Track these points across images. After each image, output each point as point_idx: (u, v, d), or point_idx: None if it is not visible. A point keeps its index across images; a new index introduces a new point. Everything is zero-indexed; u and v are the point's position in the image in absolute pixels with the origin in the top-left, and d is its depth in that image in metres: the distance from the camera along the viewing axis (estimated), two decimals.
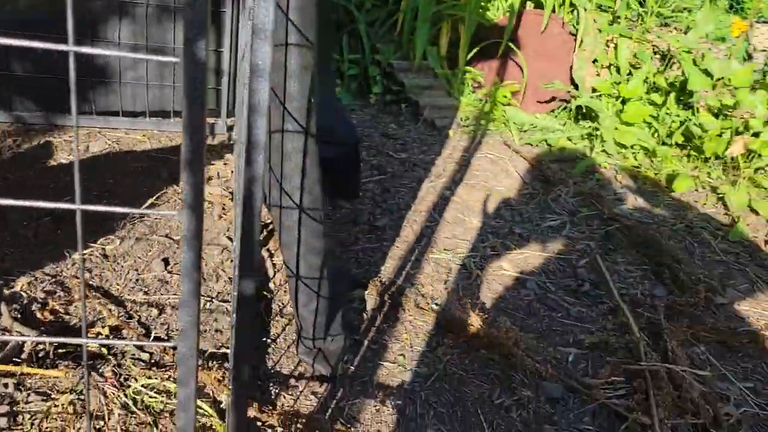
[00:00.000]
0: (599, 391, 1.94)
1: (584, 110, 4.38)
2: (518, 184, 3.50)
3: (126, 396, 1.65)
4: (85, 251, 2.27)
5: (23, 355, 1.70)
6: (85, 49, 0.67)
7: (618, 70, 4.39)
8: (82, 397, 1.61)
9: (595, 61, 4.52)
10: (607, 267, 2.69)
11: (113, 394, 1.64)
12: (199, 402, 1.65)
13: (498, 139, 4.18)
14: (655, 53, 4.56)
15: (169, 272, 2.28)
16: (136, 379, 1.70)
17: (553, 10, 4.69)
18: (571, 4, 4.73)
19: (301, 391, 1.82)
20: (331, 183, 2.98)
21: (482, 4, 4.91)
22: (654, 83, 4.21)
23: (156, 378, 1.70)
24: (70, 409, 1.56)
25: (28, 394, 1.59)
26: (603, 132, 3.96)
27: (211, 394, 1.72)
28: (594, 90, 4.37)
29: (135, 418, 1.60)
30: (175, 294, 2.16)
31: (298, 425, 1.56)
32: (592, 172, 3.75)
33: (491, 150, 3.98)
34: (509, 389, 1.93)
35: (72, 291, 2.02)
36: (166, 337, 1.95)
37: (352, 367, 1.95)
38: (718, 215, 3.35)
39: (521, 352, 2.03)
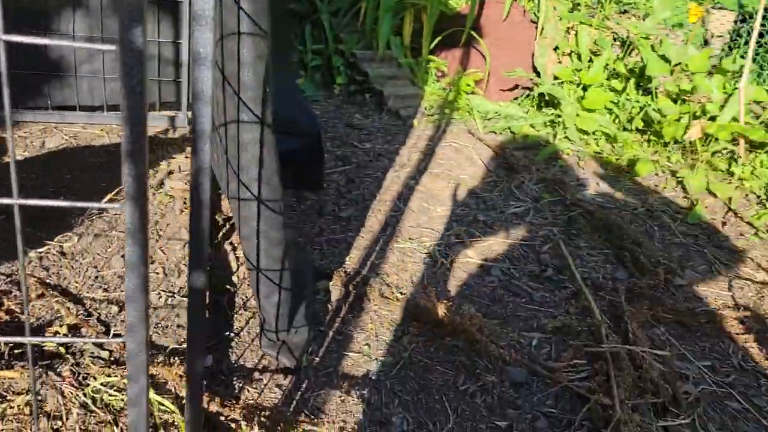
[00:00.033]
0: (562, 374, 1.96)
1: (547, 97, 4.42)
2: (482, 172, 3.52)
3: (85, 395, 1.62)
4: (41, 249, 2.22)
5: None
6: (15, 38, 0.65)
7: (579, 57, 4.43)
8: (39, 397, 1.57)
9: (556, 48, 4.55)
10: (569, 252, 2.72)
11: (71, 393, 1.61)
12: (160, 398, 1.63)
13: (462, 128, 4.19)
14: (614, 40, 4.61)
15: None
16: (95, 378, 1.67)
17: None
18: None
19: (265, 384, 1.81)
20: (294, 174, 2.97)
21: None
22: (614, 70, 4.26)
23: (116, 375, 1.67)
24: (26, 410, 1.53)
25: None
26: (565, 119, 4.00)
27: (173, 390, 1.70)
28: (556, 77, 4.41)
29: (94, 417, 1.58)
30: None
31: (262, 418, 1.55)
32: (555, 159, 3.79)
33: (455, 138, 4.00)
34: (474, 375, 1.95)
35: (28, 290, 1.97)
36: (125, 334, 1.92)
37: (317, 359, 1.94)
38: (678, 198, 3.42)
39: (485, 338, 2.05)
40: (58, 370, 1.66)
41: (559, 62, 4.55)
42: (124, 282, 2.16)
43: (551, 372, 1.96)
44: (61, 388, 1.59)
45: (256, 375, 1.84)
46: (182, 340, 1.91)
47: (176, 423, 1.57)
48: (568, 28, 4.58)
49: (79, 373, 1.69)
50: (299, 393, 1.79)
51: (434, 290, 2.37)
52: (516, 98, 4.74)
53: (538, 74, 4.56)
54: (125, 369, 1.71)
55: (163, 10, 3.27)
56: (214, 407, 1.53)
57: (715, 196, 3.40)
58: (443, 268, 2.53)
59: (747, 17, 4.95)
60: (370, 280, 2.35)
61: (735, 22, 5.22)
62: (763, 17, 3.90)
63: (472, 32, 4.65)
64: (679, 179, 3.55)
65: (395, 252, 2.60)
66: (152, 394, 1.64)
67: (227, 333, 1.99)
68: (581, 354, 2.07)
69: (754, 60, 5.00)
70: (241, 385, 1.79)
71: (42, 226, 2.31)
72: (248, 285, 2.22)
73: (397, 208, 2.99)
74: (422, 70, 4.82)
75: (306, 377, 1.86)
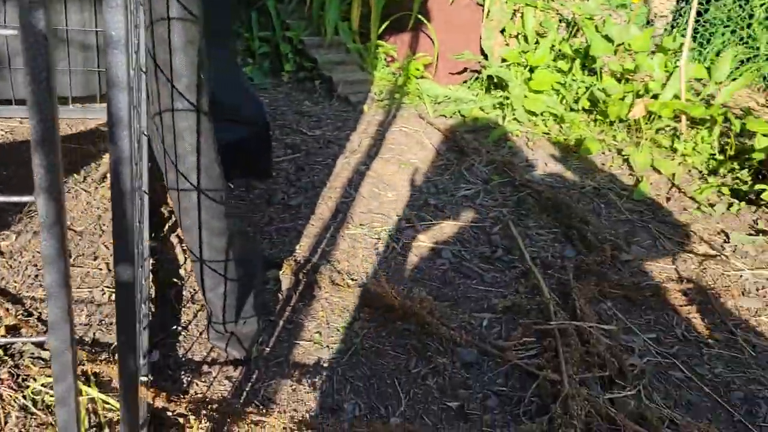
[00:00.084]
0: (512, 352, 1.99)
1: (495, 80, 4.44)
2: (433, 156, 3.52)
3: (24, 397, 1.57)
4: None
5: None
6: None
7: (525, 39, 4.47)
8: None
9: (503, 31, 4.58)
10: (519, 232, 2.75)
11: (10, 396, 1.56)
12: (104, 396, 1.59)
13: (412, 112, 4.18)
14: (560, 21, 4.66)
15: (72, 266, 2.18)
16: (35, 379, 1.62)
17: None
18: None
19: (214, 377, 1.78)
20: (242, 163, 2.92)
21: None
22: (560, 51, 4.30)
23: None
24: None
25: None
26: (513, 100, 4.03)
27: (119, 387, 1.65)
28: (503, 60, 4.43)
29: (35, 419, 1.53)
30: (78, 288, 2.07)
31: (210, 412, 1.52)
32: (505, 141, 3.82)
33: (406, 123, 3.99)
34: (425, 358, 1.95)
35: None
36: None
37: (267, 349, 1.92)
38: (624, 176, 3.48)
39: (436, 320, 2.06)
40: None
41: (507, 44, 4.58)
42: None
43: (501, 351, 1.99)
44: None
45: (205, 368, 1.81)
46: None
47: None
48: (515, 10, 4.60)
49: (19, 375, 1.64)
50: (249, 384, 1.77)
51: (385, 275, 2.36)
52: (465, 81, 4.76)
53: (486, 57, 4.58)
54: None
55: None
56: (159, 403, 1.50)
57: (659, 172, 3.48)
58: (394, 252, 2.53)
59: None
60: (321, 268, 2.34)
61: (677, 1, 5.33)
62: None
63: (420, 16, 4.64)
64: (625, 157, 3.61)
65: (346, 239, 2.59)
66: (96, 393, 1.60)
67: (175, 327, 1.95)
68: (530, 332, 2.10)
69: (694, 39, 5.12)
70: (189, 379, 1.76)
71: None
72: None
73: (348, 195, 2.98)
74: (371, 55, 4.79)
75: (256, 368, 1.84)
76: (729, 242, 2.83)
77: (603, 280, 2.40)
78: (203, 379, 1.76)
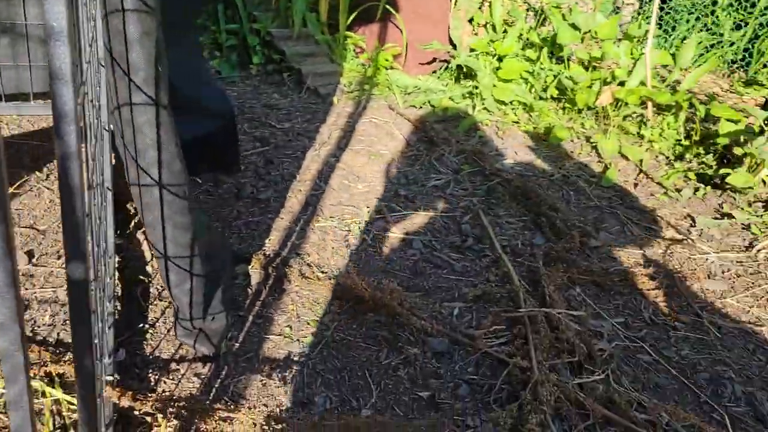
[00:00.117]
0: (482, 340, 1.99)
1: (464, 69, 4.45)
2: (403, 147, 3.52)
3: None
4: None
5: None
6: None
7: (494, 28, 4.47)
8: None
9: (471, 20, 4.58)
10: (489, 221, 2.76)
11: None
12: (69, 397, 1.56)
13: (382, 103, 4.17)
14: (528, 10, 4.68)
15: (35, 265, 2.14)
16: None
17: None
18: None
19: (182, 374, 1.76)
20: (209, 157, 2.88)
21: None
22: (528, 39, 4.32)
23: None
24: None
25: None
26: (482, 90, 4.04)
27: (76, 388, 1.63)
28: (472, 49, 4.43)
29: None
30: (42, 287, 2.03)
31: (177, 409, 1.50)
32: (475, 130, 3.83)
33: (376, 114, 3.98)
34: (396, 349, 1.95)
35: None
36: (31, 334, 1.83)
37: (237, 344, 1.91)
38: (593, 163, 3.51)
39: (406, 311, 2.05)
40: None
41: (475, 34, 4.59)
42: (29, 279, 2.05)
43: (472, 340, 1.99)
44: None
45: (173, 366, 1.79)
46: (94, 335, 1.83)
47: None
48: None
49: None
50: (218, 380, 1.76)
51: (355, 267, 2.36)
52: (435, 71, 4.75)
53: (455, 46, 4.58)
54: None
55: None
56: (125, 402, 1.47)
57: (627, 158, 3.52)
58: (365, 244, 2.53)
59: None
60: (291, 261, 2.32)
61: None
62: None
63: (388, 6, 4.62)
64: (593, 144, 3.65)
65: (316, 231, 2.58)
66: (60, 394, 1.57)
67: (141, 325, 1.93)
68: (501, 320, 2.11)
69: (659, 26, 5.18)
70: (157, 377, 1.74)
71: None
72: None
73: (318, 187, 2.96)
74: (340, 46, 4.76)
75: (225, 364, 1.83)
76: (695, 226, 2.87)
77: (572, 267, 2.41)
78: (171, 377, 1.74)
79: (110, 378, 1.57)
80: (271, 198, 2.80)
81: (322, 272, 2.29)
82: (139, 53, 1.37)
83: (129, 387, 1.64)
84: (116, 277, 2.06)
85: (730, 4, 5.05)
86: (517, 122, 3.95)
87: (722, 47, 5.08)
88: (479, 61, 4.25)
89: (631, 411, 1.74)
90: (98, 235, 1.53)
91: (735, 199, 3.09)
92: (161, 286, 2.11)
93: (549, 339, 1.96)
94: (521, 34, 4.35)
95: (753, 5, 4.97)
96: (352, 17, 4.70)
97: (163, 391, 1.67)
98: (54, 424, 1.52)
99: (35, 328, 1.85)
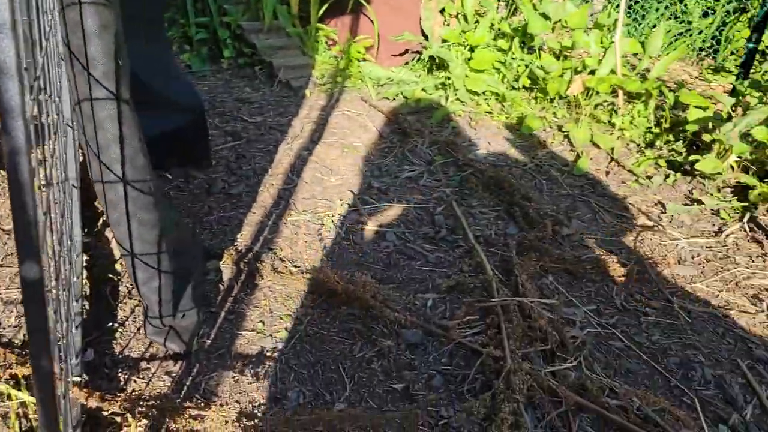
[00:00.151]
0: (456, 331, 1.99)
1: (437, 60, 4.44)
2: (376, 139, 3.50)
3: None
4: None
5: None
6: None
7: (465, 19, 4.47)
8: None
9: (442, 11, 4.57)
10: (462, 211, 2.76)
11: None
12: (35, 399, 1.53)
13: (355, 96, 4.15)
14: (499, 0, 4.68)
15: (0, 266, 2.09)
16: None
17: None
18: None
19: (153, 373, 1.74)
20: (179, 152, 2.85)
21: None
22: (499, 30, 4.32)
23: None
24: None
25: None
26: (455, 81, 4.03)
27: (35, 390, 1.60)
28: (444, 40, 4.42)
29: None
30: (8, 288, 1.99)
31: (147, 408, 1.48)
32: (448, 121, 3.82)
33: (349, 107, 3.95)
34: (370, 342, 1.95)
35: None
36: None
37: (209, 341, 1.89)
38: (565, 152, 3.53)
39: (380, 303, 2.05)
40: None
41: (447, 24, 4.58)
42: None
43: (446, 330, 1.99)
44: None
45: (143, 364, 1.76)
46: (59, 336, 1.80)
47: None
48: None
49: None
50: (190, 378, 1.74)
51: (328, 261, 2.34)
52: (407, 63, 4.74)
53: (426, 38, 4.57)
54: None
55: None
56: (93, 402, 1.45)
57: (598, 147, 3.54)
58: (338, 237, 2.51)
59: None
60: (263, 256, 2.30)
61: None
62: None
63: None
64: (565, 133, 3.66)
65: (288, 225, 2.56)
66: (27, 396, 1.54)
67: (111, 324, 1.90)
68: (474, 310, 2.11)
69: (629, 15, 5.22)
70: (127, 376, 1.71)
71: None
72: None
73: (290, 181, 2.94)
74: (312, 39, 4.72)
75: (197, 361, 1.80)
76: (665, 213, 2.90)
77: (545, 256, 2.43)
78: (141, 376, 1.72)
79: (78, 379, 1.54)
80: (243, 192, 2.77)
81: (295, 266, 2.28)
82: (98, 47, 1.34)
83: (98, 387, 1.61)
84: (84, 276, 2.02)
85: None
86: (489, 112, 3.95)
87: (691, 35, 5.14)
88: (451, 52, 4.25)
89: (603, 397, 1.76)
90: (62, 233, 1.50)
91: (704, 185, 3.13)
92: (131, 284, 2.07)
93: (522, 328, 1.97)
94: (493, 25, 4.35)
95: None
96: (323, 9, 4.66)
97: (133, 391, 1.65)
98: (20, 427, 1.49)
99: (0, 329, 1.82)
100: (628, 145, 3.59)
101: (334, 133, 3.54)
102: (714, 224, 2.83)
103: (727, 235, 2.72)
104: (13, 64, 0.72)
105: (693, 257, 2.56)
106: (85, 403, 1.46)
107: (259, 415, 1.58)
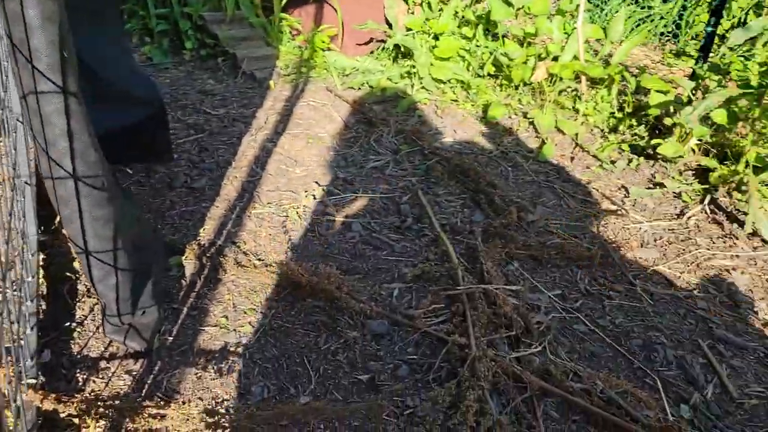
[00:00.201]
0: (421, 320, 1.99)
1: (402, 49, 4.41)
2: (341, 129, 3.47)
3: None
4: None
5: None
6: None
7: (429, 6, 4.45)
8: None
9: None
10: (428, 200, 2.76)
11: None
12: None
13: (320, 86, 4.11)
14: None
15: None
16: None
17: None
18: None
19: (113, 372, 1.70)
20: (140, 147, 2.79)
21: None
22: (463, 17, 4.31)
23: None
24: None
25: None
26: (419, 69, 4.02)
27: (7, 393, 1.55)
28: (408, 28, 4.40)
29: None
30: None
31: (104, 409, 1.45)
32: (414, 110, 3.81)
33: (314, 97, 3.92)
34: (335, 333, 1.93)
35: None
36: None
37: (170, 338, 1.86)
38: (530, 138, 3.54)
39: (345, 294, 2.03)
40: None
41: (411, 12, 4.55)
42: None
43: (411, 320, 1.99)
44: None
45: (103, 364, 1.73)
46: (15, 337, 1.75)
47: (11, 427, 1.44)
48: None
49: None
50: (151, 376, 1.71)
51: (293, 253, 2.32)
52: (372, 52, 4.71)
53: (390, 26, 4.54)
54: None
55: None
56: (49, 405, 1.41)
57: (563, 133, 3.56)
58: (303, 229, 2.49)
59: None
60: (226, 250, 2.27)
61: None
62: None
63: None
64: (530, 120, 3.67)
65: (253, 219, 2.52)
66: None
67: (68, 323, 1.85)
68: (440, 299, 2.11)
69: (590, 0, 5.25)
70: (85, 377, 1.68)
71: None
72: None
73: (255, 174, 2.90)
74: (275, 29, 4.66)
75: (159, 359, 1.78)
76: (629, 197, 2.93)
77: (510, 242, 2.43)
78: (101, 376, 1.68)
79: (33, 381, 1.50)
80: (205, 186, 2.73)
81: (259, 260, 2.25)
82: (42, 39, 1.30)
83: (55, 389, 1.58)
84: (40, 275, 1.97)
85: None
86: (455, 100, 3.95)
87: (652, 20, 5.19)
88: (416, 41, 4.23)
89: (567, 381, 1.77)
90: (9, 232, 1.45)
91: (666, 168, 3.17)
92: (89, 283, 2.03)
93: (487, 315, 1.97)
94: (457, 12, 4.34)
95: None
96: None
97: (92, 391, 1.61)
98: None
99: None
100: (592, 130, 3.62)
101: (299, 124, 3.50)
102: (676, 207, 2.87)
103: (689, 218, 2.76)
104: None
105: (655, 240, 2.59)
106: (40, 405, 1.42)
107: (222, 411, 1.56)
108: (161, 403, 1.52)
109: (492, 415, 1.61)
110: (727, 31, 4.85)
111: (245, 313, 1.99)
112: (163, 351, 1.80)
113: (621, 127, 3.53)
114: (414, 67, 4.11)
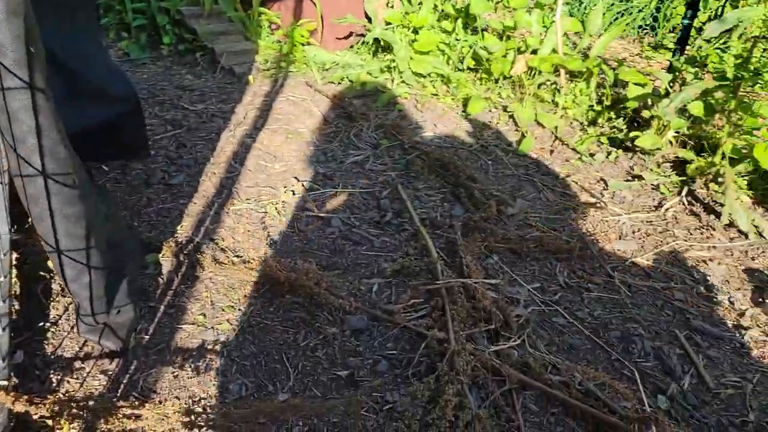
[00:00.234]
0: (401, 315, 1.99)
1: (382, 43, 4.40)
2: (321, 124, 3.45)
3: None
4: None
5: None
6: None
7: (409, 0, 4.43)
8: None
9: None
10: (408, 195, 2.75)
11: None
12: None
13: (300, 80, 4.08)
14: None
15: None
16: None
17: None
18: None
19: (88, 373, 1.68)
20: (116, 143, 2.75)
21: None
22: (443, 11, 4.30)
23: None
24: None
25: None
26: (399, 63, 4.00)
27: None
28: (388, 22, 4.38)
29: None
30: None
31: (78, 410, 1.43)
32: (394, 104, 3.80)
33: (293, 92, 3.89)
34: (314, 330, 1.92)
35: None
36: None
37: (147, 337, 1.83)
38: (510, 132, 3.55)
39: (324, 290, 2.02)
40: None
41: (390, 6, 4.53)
42: None
43: (391, 315, 1.98)
44: None
45: (78, 364, 1.71)
46: None
47: None
48: None
49: None
50: (127, 376, 1.69)
51: (272, 249, 2.31)
52: (352, 46, 4.68)
53: (370, 20, 4.52)
54: None
55: None
56: (21, 407, 1.39)
57: (543, 126, 3.57)
58: (282, 225, 2.47)
59: None
60: (204, 247, 2.25)
61: None
62: None
63: None
64: (510, 113, 3.68)
65: (231, 215, 2.50)
66: None
67: (42, 323, 1.83)
68: (419, 293, 2.10)
69: None
70: (60, 377, 1.65)
71: None
72: None
73: (233, 169, 2.87)
74: (254, 23, 4.62)
75: (135, 358, 1.76)
76: (607, 189, 2.95)
77: (489, 236, 2.43)
78: (75, 376, 1.66)
79: (5, 382, 1.48)
80: (183, 183, 2.70)
81: (237, 256, 2.23)
82: (6, 34, 1.27)
83: (28, 390, 1.56)
84: (13, 275, 1.94)
85: None
86: (435, 94, 3.94)
87: (631, 13, 5.22)
88: (395, 34, 4.21)
89: (546, 374, 1.77)
90: None
91: (645, 160, 3.19)
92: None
93: (466, 309, 1.97)
94: (436, 6, 4.33)
95: None
96: None
97: (66, 392, 1.59)
98: None
99: None
100: (571, 123, 3.63)
101: (279, 119, 3.48)
102: (654, 199, 2.89)
103: (667, 209, 2.78)
104: None
105: (634, 232, 2.61)
106: (12, 407, 1.39)
107: (198, 410, 1.55)
108: (136, 403, 1.51)
109: (471, 409, 1.61)
110: (704, 23, 4.88)
111: (223, 310, 1.98)
112: (139, 350, 1.78)
113: (600, 120, 3.54)
114: (394, 61, 4.09)
